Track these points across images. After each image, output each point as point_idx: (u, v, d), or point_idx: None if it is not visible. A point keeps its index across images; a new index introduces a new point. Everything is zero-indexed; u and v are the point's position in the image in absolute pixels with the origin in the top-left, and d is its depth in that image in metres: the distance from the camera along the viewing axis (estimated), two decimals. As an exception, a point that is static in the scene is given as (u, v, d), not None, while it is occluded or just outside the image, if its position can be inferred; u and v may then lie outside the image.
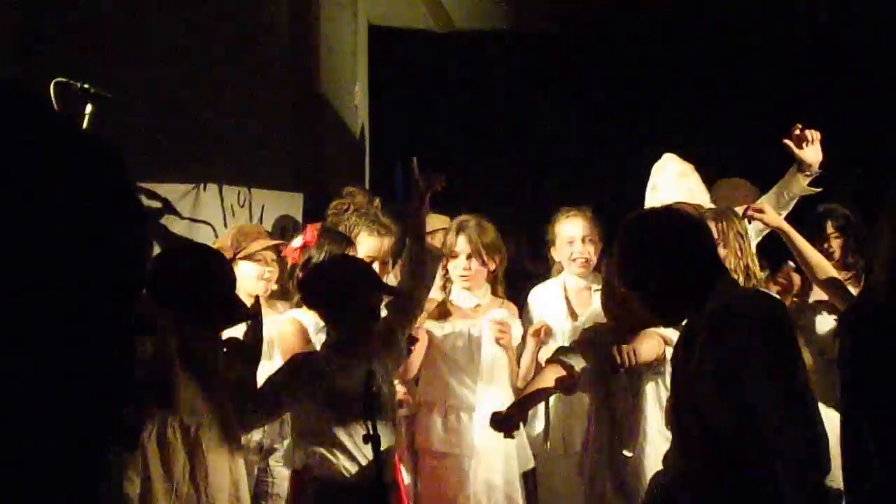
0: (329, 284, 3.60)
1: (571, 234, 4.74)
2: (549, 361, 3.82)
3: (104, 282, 0.95)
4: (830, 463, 2.57)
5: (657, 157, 4.83)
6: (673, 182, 4.63)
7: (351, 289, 3.56)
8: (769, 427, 2.57)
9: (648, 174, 4.82)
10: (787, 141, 4.31)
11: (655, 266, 2.82)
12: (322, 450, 3.50)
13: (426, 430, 4.43)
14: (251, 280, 4.32)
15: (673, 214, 2.98)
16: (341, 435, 3.48)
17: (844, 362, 2.59)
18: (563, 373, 3.70)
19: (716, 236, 3.69)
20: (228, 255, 4.19)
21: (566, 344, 4.18)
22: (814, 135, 4.31)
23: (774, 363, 2.60)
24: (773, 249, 4.55)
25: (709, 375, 2.68)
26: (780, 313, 2.74)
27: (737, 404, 2.63)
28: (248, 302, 4.13)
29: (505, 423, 3.55)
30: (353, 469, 3.48)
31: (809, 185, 4.36)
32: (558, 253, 4.82)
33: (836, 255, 4.63)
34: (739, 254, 3.97)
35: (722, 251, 3.82)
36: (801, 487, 2.52)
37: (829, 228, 4.71)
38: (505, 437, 3.61)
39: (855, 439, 2.51)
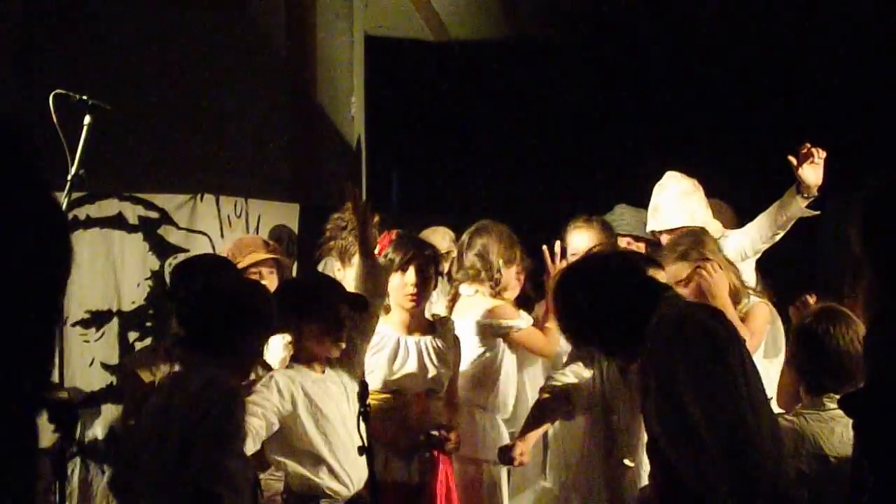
0: (297, 300, 3.60)
1: (578, 247, 4.72)
2: (543, 390, 3.85)
3: (24, 272, 0.93)
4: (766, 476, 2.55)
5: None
6: (674, 202, 4.60)
7: (317, 303, 3.58)
8: (700, 439, 2.58)
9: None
10: (790, 157, 4.25)
11: (589, 320, 2.87)
12: (307, 468, 3.53)
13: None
14: None
15: (589, 266, 3.05)
16: (329, 451, 3.51)
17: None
18: (561, 399, 3.74)
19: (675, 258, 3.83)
20: None
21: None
22: (819, 154, 4.23)
23: (697, 375, 2.61)
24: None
25: (648, 391, 2.76)
26: (711, 325, 2.75)
27: (666, 417, 2.68)
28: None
29: (511, 454, 3.64)
30: (343, 485, 3.51)
31: (808, 206, 4.30)
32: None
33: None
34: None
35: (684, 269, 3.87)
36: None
37: None
38: (514, 466, 3.70)
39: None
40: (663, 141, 7.13)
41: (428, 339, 4.11)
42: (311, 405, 3.52)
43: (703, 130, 7.38)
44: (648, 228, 4.70)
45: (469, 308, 4.45)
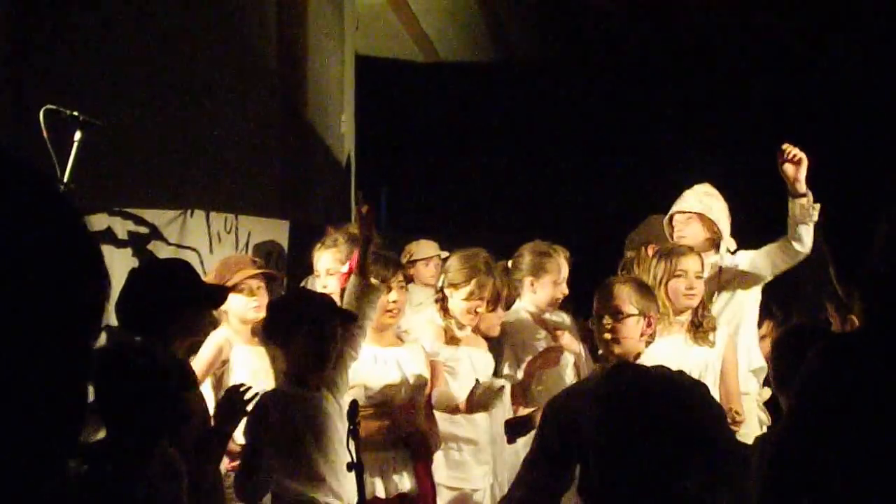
0: (290, 316, 3.60)
1: (564, 275, 4.75)
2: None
3: (59, 333, 0.91)
4: None
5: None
6: (698, 195, 4.75)
7: (309, 319, 3.57)
8: None
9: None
10: (783, 161, 4.38)
11: None
12: (297, 484, 3.53)
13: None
14: (240, 311, 4.29)
15: None
16: (329, 469, 3.51)
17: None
18: None
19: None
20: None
21: None
22: (789, 151, 4.35)
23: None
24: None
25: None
26: None
27: None
28: (241, 330, 4.20)
29: (519, 428, 3.77)
30: (333, 501, 3.52)
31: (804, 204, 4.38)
32: (546, 288, 4.75)
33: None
34: (667, 290, 4.17)
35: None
36: None
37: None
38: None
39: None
40: (652, 161, 7.19)
41: (401, 350, 4.17)
42: (312, 425, 3.54)
43: (693, 151, 7.42)
44: (671, 210, 4.76)
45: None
